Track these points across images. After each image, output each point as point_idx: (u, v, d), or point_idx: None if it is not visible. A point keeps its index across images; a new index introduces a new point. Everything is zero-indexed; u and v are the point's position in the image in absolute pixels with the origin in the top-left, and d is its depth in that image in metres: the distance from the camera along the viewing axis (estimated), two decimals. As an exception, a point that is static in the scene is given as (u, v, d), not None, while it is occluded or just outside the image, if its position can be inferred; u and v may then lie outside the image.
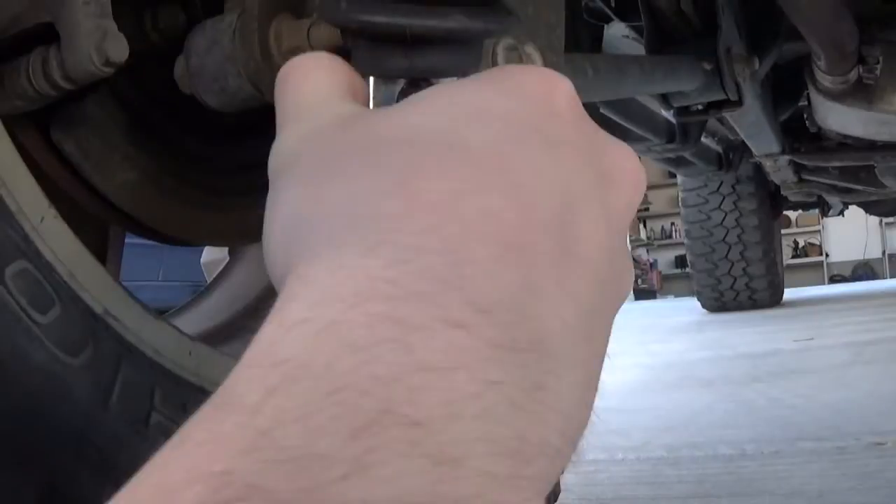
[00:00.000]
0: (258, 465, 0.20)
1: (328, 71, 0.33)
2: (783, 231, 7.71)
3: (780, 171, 3.98)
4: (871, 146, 3.12)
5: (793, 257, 13.86)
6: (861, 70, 2.00)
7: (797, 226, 13.98)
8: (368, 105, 0.35)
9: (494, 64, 0.64)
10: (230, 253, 1.24)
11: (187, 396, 0.67)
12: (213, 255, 1.74)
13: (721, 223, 5.47)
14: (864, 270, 13.86)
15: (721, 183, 5.37)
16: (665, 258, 14.90)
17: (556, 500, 1.10)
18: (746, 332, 4.63)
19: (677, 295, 12.61)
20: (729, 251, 5.55)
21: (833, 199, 5.40)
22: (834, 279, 13.84)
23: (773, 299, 5.92)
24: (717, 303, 5.90)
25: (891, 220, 12.55)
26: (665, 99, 1.97)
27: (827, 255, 14.47)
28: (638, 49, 2.15)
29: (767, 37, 2.02)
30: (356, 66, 0.42)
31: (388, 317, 0.22)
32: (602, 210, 0.28)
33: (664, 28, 1.86)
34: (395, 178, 0.26)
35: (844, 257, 14.27)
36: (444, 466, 0.21)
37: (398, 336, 0.22)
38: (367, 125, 0.29)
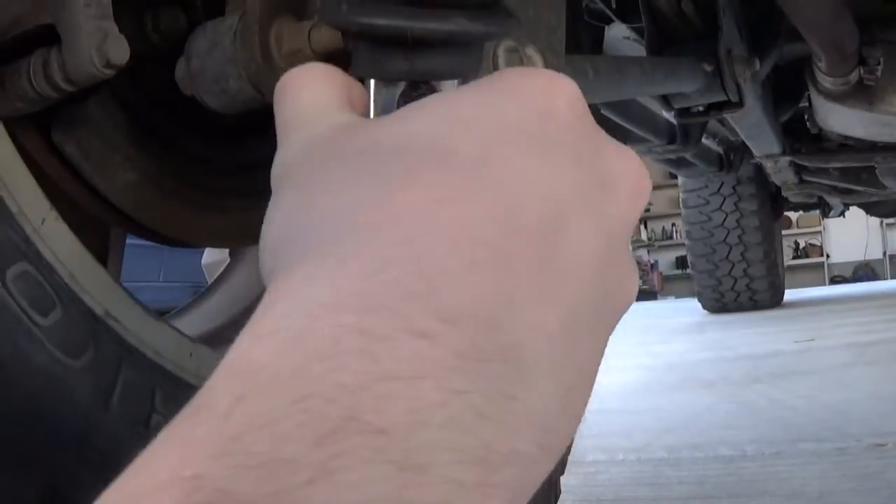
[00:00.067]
0: (228, 470, 0.20)
1: (326, 81, 0.33)
2: (784, 232, 7.71)
3: (780, 172, 3.98)
4: (871, 147, 3.11)
5: (793, 258, 13.85)
6: (862, 71, 2.00)
7: (798, 227, 13.97)
8: (368, 113, 0.35)
9: (495, 66, 0.64)
10: (231, 254, 1.24)
11: (188, 398, 0.66)
12: (213, 257, 1.74)
13: (722, 224, 5.47)
14: (864, 271, 13.85)
15: (722, 184, 5.37)
16: (666, 259, 14.89)
17: (556, 502, 1.10)
18: (747, 333, 4.63)
19: (678, 296, 12.60)
20: (730, 252, 5.55)
21: (834, 200, 5.39)
22: (835, 280, 13.83)
23: (773, 300, 5.92)
24: (718, 304, 5.90)
25: (892, 220, 12.54)
26: (666, 100, 1.97)
27: (828, 256, 14.46)
28: (639, 50, 2.15)
29: (768, 38, 2.02)
30: (357, 69, 0.42)
31: (355, 328, 0.23)
32: (595, 217, 0.28)
33: (665, 29, 1.86)
34: (376, 189, 0.26)
35: (845, 258, 14.26)
36: (408, 473, 0.21)
37: (364, 346, 0.22)
38: (358, 135, 0.29)
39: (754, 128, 2.71)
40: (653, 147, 2.55)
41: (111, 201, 0.79)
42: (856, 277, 13.57)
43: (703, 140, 3.15)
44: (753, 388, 2.82)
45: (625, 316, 0.31)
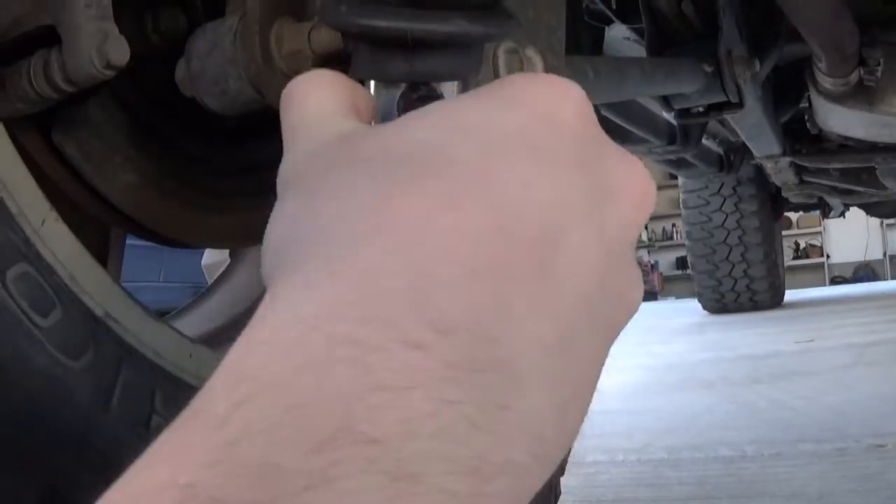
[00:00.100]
0: (221, 477, 0.21)
1: (331, 88, 0.33)
2: (784, 232, 7.70)
3: (781, 172, 3.98)
4: (871, 148, 3.11)
5: (794, 259, 13.85)
6: (862, 72, 2.00)
7: (798, 227, 13.97)
8: (373, 120, 0.35)
9: (495, 67, 0.64)
10: (231, 255, 1.24)
11: (188, 399, 0.66)
12: (214, 258, 1.74)
13: (722, 225, 5.47)
14: (865, 272, 13.84)
15: (722, 185, 5.37)
16: (666, 260, 14.89)
17: (556, 503, 1.10)
18: (747, 334, 4.63)
19: (678, 296, 12.60)
20: (730, 253, 5.55)
21: (834, 201, 5.39)
22: (835, 280, 13.83)
23: (773, 301, 5.92)
24: (718, 304, 5.90)
25: (892, 221, 12.54)
26: (666, 101, 1.97)
27: (828, 257, 14.46)
28: (639, 51, 2.15)
29: (768, 39, 2.02)
30: (356, 70, 0.42)
31: (347, 338, 0.23)
32: (597, 226, 0.28)
33: (665, 30, 1.86)
34: (375, 196, 0.26)
35: (845, 259, 14.26)
36: (401, 483, 0.21)
37: (356, 356, 0.22)
38: (360, 143, 0.29)
39: (754, 128, 2.71)
40: (653, 148, 2.55)
41: (111, 202, 0.79)
42: (856, 278, 13.56)
43: (704, 141, 3.15)
44: (753, 388, 2.82)
45: (625, 318, 0.30)
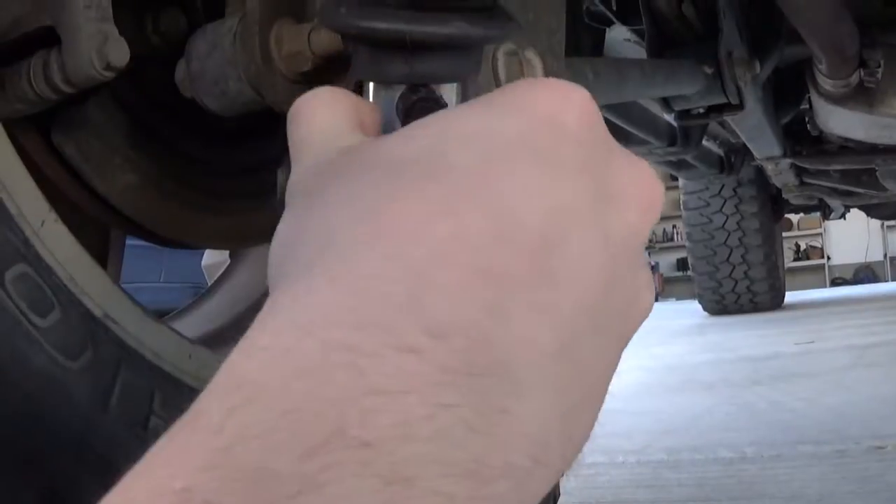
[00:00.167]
0: (216, 482, 0.21)
1: (337, 105, 0.34)
2: (784, 234, 7.70)
3: (781, 174, 3.98)
4: (872, 149, 3.11)
5: (794, 260, 13.85)
6: (862, 73, 2.00)
7: (799, 229, 13.97)
8: (378, 134, 0.35)
9: (495, 69, 0.64)
10: (231, 256, 1.24)
11: (187, 400, 0.66)
12: (214, 258, 1.74)
13: (722, 226, 5.47)
14: (865, 273, 13.84)
15: (722, 186, 5.37)
16: (666, 261, 14.89)
17: (555, 504, 1.10)
18: (747, 335, 4.63)
19: (679, 298, 12.59)
20: (730, 254, 5.55)
21: (834, 203, 5.39)
22: (836, 282, 13.83)
23: (774, 302, 5.92)
24: (719, 306, 5.90)
25: (892, 223, 12.53)
26: (666, 102, 1.97)
27: (828, 258, 14.46)
28: (639, 53, 2.15)
29: (769, 40, 2.02)
30: (356, 72, 0.42)
31: (341, 344, 0.23)
32: (601, 231, 0.27)
33: (665, 31, 1.86)
34: (374, 202, 0.26)
35: (846, 260, 14.26)
36: (396, 486, 0.21)
37: (350, 361, 0.23)
38: (361, 153, 0.29)
39: (755, 130, 2.71)
40: (653, 149, 2.55)
41: (111, 203, 0.79)
42: (856, 279, 13.57)
43: (704, 142, 3.15)
44: (753, 390, 2.82)
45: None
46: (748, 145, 3.14)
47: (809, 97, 2.45)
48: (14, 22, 0.65)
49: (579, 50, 1.74)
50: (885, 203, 5.15)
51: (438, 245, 0.25)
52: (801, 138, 3.42)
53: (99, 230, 0.84)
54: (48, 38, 0.64)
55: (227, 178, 0.92)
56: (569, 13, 0.88)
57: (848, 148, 3.28)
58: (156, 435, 0.23)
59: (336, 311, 0.24)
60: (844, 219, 6.66)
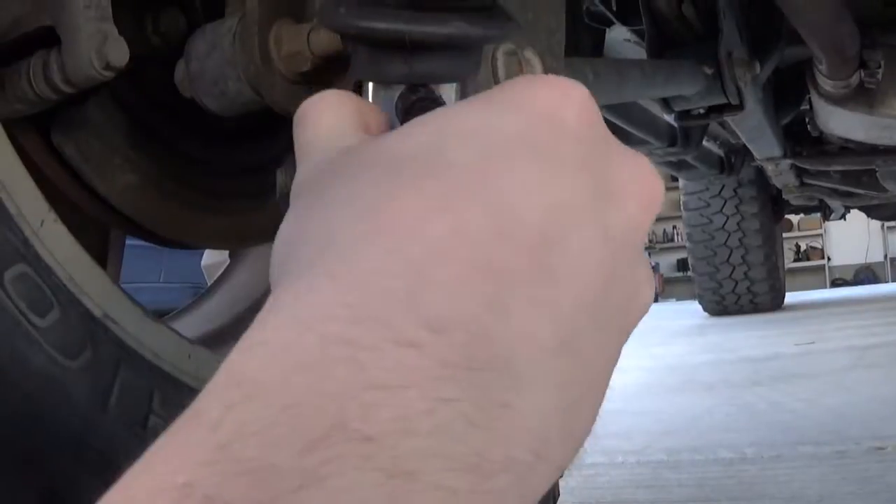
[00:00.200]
0: (217, 477, 0.21)
1: (342, 108, 0.34)
2: (785, 235, 7.70)
3: (781, 174, 3.98)
4: (872, 150, 3.11)
5: (794, 261, 13.85)
6: (863, 74, 2.00)
7: (799, 229, 13.97)
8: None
9: (494, 69, 0.64)
10: (231, 256, 1.24)
11: (186, 400, 0.66)
12: (213, 258, 1.74)
13: (723, 227, 5.48)
14: (866, 274, 13.85)
15: (723, 187, 5.37)
16: (667, 261, 14.90)
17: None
18: (748, 336, 4.63)
19: (679, 298, 12.60)
20: (730, 255, 5.55)
21: (835, 203, 5.40)
22: (836, 283, 13.83)
23: (774, 303, 5.92)
24: (719, 306, 5.90)
25: (893, 223, 12.53)
26: (666, 103, 1.97)
27: (829, 259, 14.46)
28: (639, 53, 2.15)
29: (769, 41, 2.02)
30: (355, 72, 0.42)
31: (340, 338, 0.23)
32: (600, 227, 0.28)
33: (665, 32, 1.86)
34: (373, 199, 0.26)
35: (846, 261, 14.26)
36: (397, 480, 0.21)
37: (350, 356, 0.23)
38: (362, 152, 0.30)
39: (755, 131, 2.72)
40: (653, 149, 2.55)
41: (110, 203, 0.79)
42: (857, 280, 13.56)
43: (704, 143, 3.15)
44: (753, 390, 2.82)
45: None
46: (748, 146, 3.14)
47: (810, 98, 2.45)
48: (14, 22, 0.65)
49: (579, 50, 1.74)
50: (886, 204, 5.15)
51: (438, 241, 0.25)
52: (802, 139, 3.43)
53: (99, 230, 0.84)
54: (48, 38, 0.64)
55: (226, 178, 0.92)
56: (568, 13, 0.88)
57: (848, 149, 3.28)
58: (155, 434, 0.23)
59: (335, 307, 0.24)
60: (845, 220, 6.66)
